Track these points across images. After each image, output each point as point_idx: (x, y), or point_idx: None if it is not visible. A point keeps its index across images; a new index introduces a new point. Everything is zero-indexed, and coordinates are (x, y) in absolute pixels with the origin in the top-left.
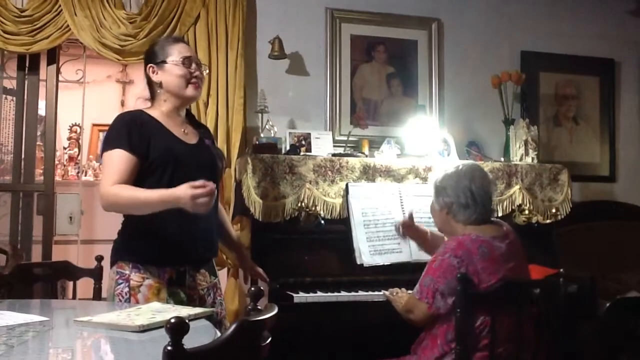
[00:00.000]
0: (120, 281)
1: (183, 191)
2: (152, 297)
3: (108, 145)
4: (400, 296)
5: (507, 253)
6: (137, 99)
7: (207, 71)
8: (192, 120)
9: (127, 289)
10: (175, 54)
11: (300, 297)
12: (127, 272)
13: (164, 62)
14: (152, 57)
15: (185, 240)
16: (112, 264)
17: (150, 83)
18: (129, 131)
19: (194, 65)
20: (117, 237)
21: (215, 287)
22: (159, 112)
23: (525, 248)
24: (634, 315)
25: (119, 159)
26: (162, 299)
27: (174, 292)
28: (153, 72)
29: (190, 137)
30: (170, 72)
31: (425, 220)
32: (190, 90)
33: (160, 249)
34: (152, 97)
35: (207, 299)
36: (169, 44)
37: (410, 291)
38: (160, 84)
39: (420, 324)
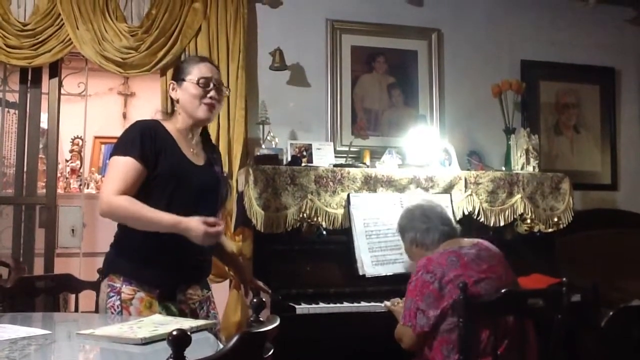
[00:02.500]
0: (112, 294)
1: (196, 225)
2: (144, 310)
3: (119, 150)
4: (402, 307)
5: (477, 257)
6: (155, 112)
7: (228, 92)
8: (206, 142)
9: (118, 302)
10: (194, 73)
11: (302, 308)
12: (119, 285)
13: (183, 79)
14: (174, 74)
15: (179, 264)
16: (104, 277)
17: (171, 98)
18: (142, 140)
19: (211, 86)
20: (109, 250)
21: (208, 300)
22: (173, 127)
23: (505, 254)
24: (638, 324)
25: (128, 167)
26: (154, 312)
27: (165, 306)
28: (172, 89)
29: (198, 158)
30: (186, 91)
31: None
32: (201, 112)
33: (153, 272)
34: (172, 112)
35: (200, 313)
36: (193, 63)
37: None
38: (177, 101)
39: (413, 348)
